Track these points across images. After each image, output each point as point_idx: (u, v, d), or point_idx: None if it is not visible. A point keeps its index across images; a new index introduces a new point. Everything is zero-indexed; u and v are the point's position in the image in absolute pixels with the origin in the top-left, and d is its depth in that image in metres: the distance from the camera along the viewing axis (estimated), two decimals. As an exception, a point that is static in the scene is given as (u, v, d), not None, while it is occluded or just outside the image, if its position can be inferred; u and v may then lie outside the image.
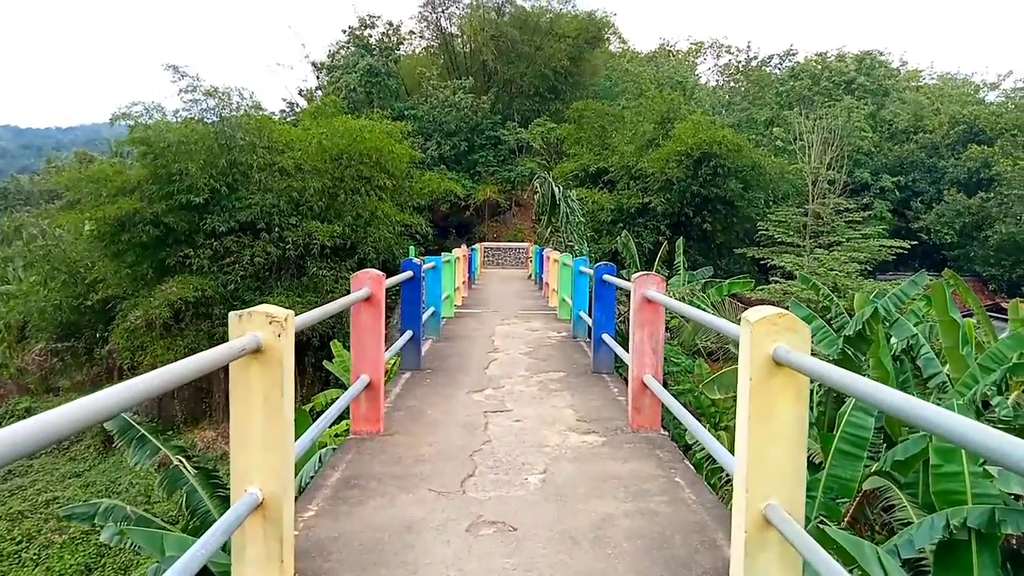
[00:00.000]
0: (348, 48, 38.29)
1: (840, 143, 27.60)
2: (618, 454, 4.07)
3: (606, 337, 6.21)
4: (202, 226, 21.29)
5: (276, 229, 21.74)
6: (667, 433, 4.49)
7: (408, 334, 6.19)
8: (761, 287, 21.95)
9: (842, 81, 33.07)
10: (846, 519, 9.74)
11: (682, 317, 14.39)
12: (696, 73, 48.17)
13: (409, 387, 5.79)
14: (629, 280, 4.65)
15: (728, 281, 21.19)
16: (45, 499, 19.79)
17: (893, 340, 12.11)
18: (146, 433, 10.98)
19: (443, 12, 39.54)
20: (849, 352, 9.34)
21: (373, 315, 4.25)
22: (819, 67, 34.64)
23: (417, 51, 43.01)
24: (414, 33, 41.48)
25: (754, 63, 44.75)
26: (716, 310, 18.69)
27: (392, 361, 7.02)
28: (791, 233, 25.63)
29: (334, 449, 5.16)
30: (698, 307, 10.62)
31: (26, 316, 27.17)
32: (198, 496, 10.39)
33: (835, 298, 17.66)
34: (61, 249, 27.11)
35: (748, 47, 47.51)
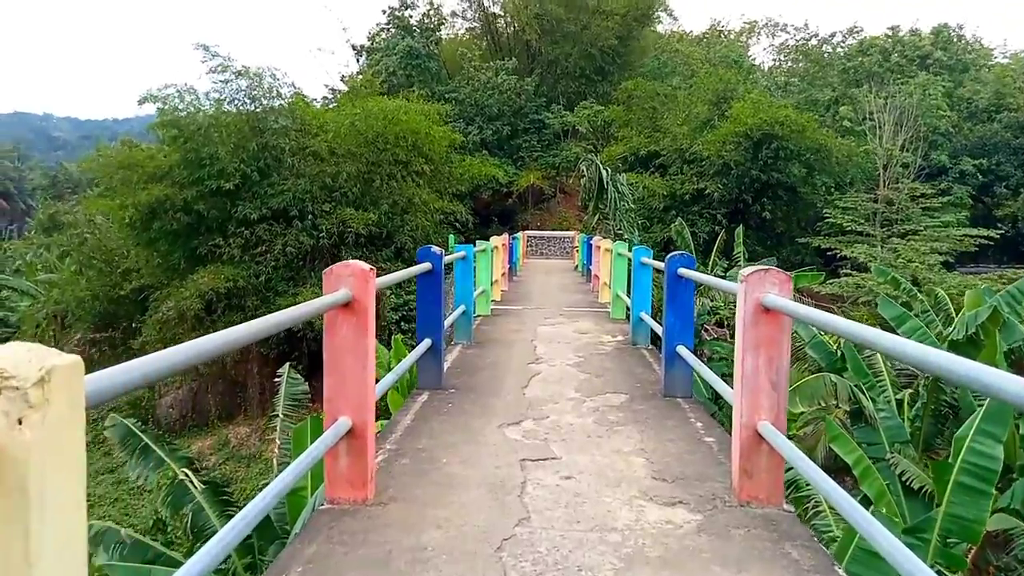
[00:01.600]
0: (388, 30, 37.16)
1: (914, 123, 25.28)
2: (727, 551, 2.62)
3: (683, 351, 4.74)
4: (233, 214, 20.44)
5: (309, 217, 20.74)
6: (792, 510, 3.00)
7: (425, 344, 4.82)
8: (831, 280, 20.03)
9: (916, 56, 30.44)
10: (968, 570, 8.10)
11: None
12: (749, 54, 45.70)
13: (423, 417, 4.41)
14: (728, 277, 3.17)
15: (795, 274, 19.37)
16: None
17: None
18: (149, 443, 9.85)
19: (486, -10, 38.04)
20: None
21: (357, 328, 2.89)
22: (890, 42, 32.03)
23: (459, 32, 41.68)
24: (456, 14, 40.16)
25: (813, 42, 42.13)
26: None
27: (407, 376, 5.69)
28: (860, 221, 23.53)
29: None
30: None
31: (66, 306, 26.91)
32: (204, 516, 9.20)
33: (918, 293, 15.79)
34: (97, 237, 26.72)
35: (806, 25, 44.77)
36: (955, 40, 31.84)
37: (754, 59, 44.96)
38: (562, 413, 4.55)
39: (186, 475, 9.28)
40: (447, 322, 5.94)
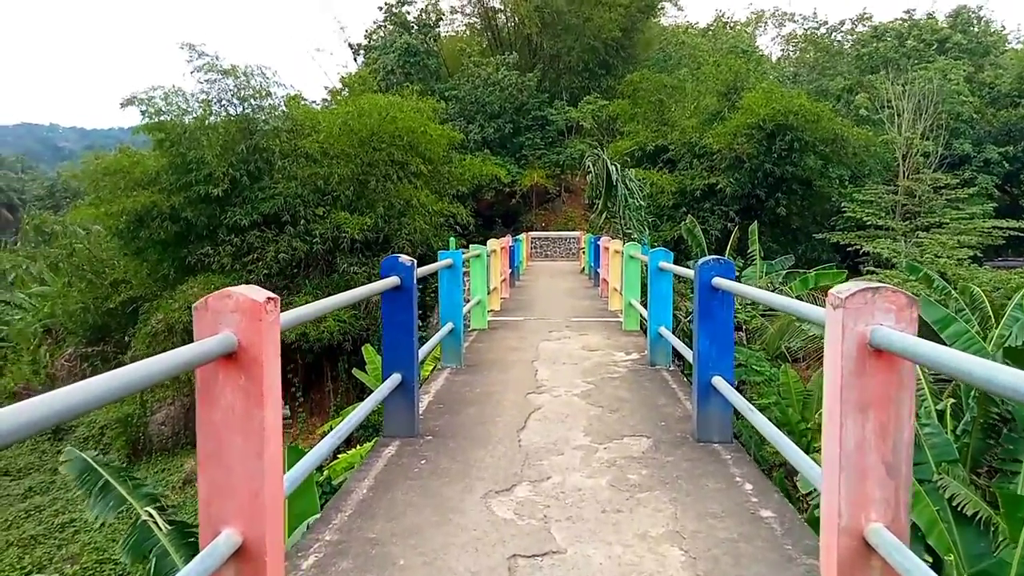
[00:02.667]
0: (385, 27, 36.22)
1: (935, 109, 24.05)
2: None
3: (721, 384, 3.68)
4: (223, 220, 19.58)
5: (302, 221, 19.81)
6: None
7: (392, 381, 3.77)
8: (856, 278, 18.87)
9: (934, 40, 29.06)
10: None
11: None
12: (757, 45, 44.47)
13: (385, 483, 3.35)
14: (743, 278, 2.16)
15: (815, 272, 18.26)
16: (61, 522, 18.29)
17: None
18: (110, 478, 8.84)
19: (484, -16, 37.00)
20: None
21: (247, 393, 1.88)
22: (906, 26, 30.74)
23: (459, 29, 40.68)
24: (455, 10, 39.13)
25: (822, 30, 40.90)
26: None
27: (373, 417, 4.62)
28: (881, 214, 22.33)
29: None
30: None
31: (58, 319, 26.12)
32: (170, 562, 8.16)
33: (953, 291, 14.67)
34: (85, 247, 25.88)
35: (814, 14, 43.56)
36: (975, 22, 30.55)
37: (762, 50, 43.77)
38: (568, 470, 3.50)
39: (150, 515, 8.30)
40: (429, 345, 4.90)
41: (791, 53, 45.43)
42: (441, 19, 36.07)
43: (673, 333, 5.76)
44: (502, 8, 37.90)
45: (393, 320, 3.85)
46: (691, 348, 4.56)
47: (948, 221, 20.72)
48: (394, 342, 3.87)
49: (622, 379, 5.51)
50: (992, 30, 30.70)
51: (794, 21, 43.85)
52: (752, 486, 3.24)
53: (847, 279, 18.06)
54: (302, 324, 20.24)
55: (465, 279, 12.84)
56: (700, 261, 3.78)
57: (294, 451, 8.86)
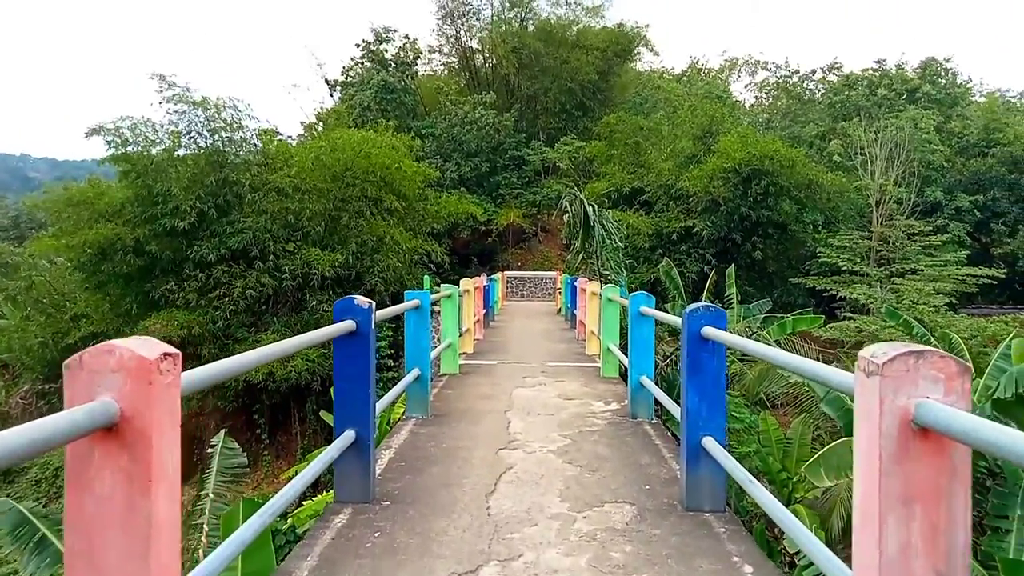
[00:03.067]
0: (363, 64, 36.21)
1: (907, 157, 24.38)
2: None
3: (712, 447, 3.30)
4: (189, 255, 19.03)
5: (271, 257, 19.31)
6: None
7: (345, 439, 3.33)
8: (832, 324, 18.77)
9: (904, 89, 29.73)
10: None
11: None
12: (731, 91, 45.26)
13: (331, 562, 2.88)
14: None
15: (792, 316, 18.08)
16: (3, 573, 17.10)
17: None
18: (47, 532, 8.16)
19: (463, 24, 37.30)
20: (1000, 421, 6.20)
21: (131, 477, 1.43)
22: (876, 75, 31.41)
23: (437, 68, 40.88)
24: (433, 49, 39.35)
25: (794, 78, 41.76)
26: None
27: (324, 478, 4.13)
28: (856, 260, 22.39)
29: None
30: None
31: (15, 354, 25.06)
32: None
33: (932, 338, 14.53)
34: (45, 280, 25.03)
35: (787, 62, 44.47)
36: (943, 74, 31.31)
37: (736, 96, 44.54)
38: (542, 545, 3.06)
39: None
40: (389, 397, 4.45)
41: (764, 100, 46.27)
42: (419, 58, 36.19)
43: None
44: (480, 48, 38.20)
45: (347, 370, 3.43)
46: (675, 400, 4.22)
47: (923, 268, 20.80)
48: (348, 395, 3.43)
49: (601, 433, 5.10)
50: (959, 82, 31.52)
51: (767, 69, 44.65)
52: (752, 569, 2.83)
53: (824, 324, 17.94)
54: (269, 365, 19.60)
55: (437, 320, 12.41)
56: (689, 308, 3.43)
57: (249, 504, 8.25)
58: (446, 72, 40.84)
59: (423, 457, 4.40)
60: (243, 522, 5.99)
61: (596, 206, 15.41)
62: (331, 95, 37.36)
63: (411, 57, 35.95)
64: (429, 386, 5.57)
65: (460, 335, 8.44)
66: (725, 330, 3.32)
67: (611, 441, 4.87)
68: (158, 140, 20.04)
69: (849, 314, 19.36)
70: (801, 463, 11.54)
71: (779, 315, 18.88)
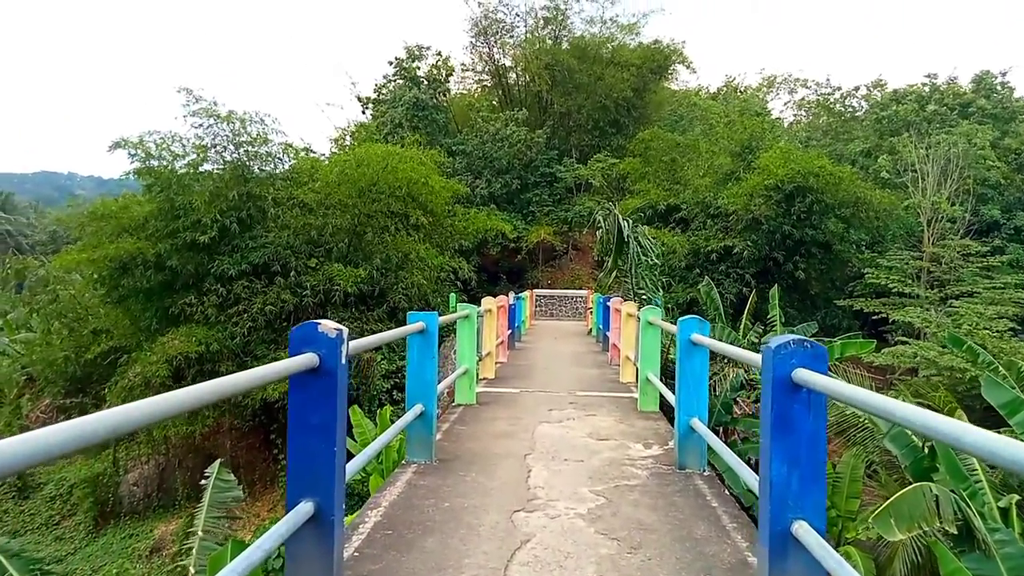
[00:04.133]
0: (395, 81, 35.87)
1: (960, 174, 22.99)
2: None
3: (804, 532, 2.35)
4: (210, 269, 18.57)
5: (292, 273, 18.75)
6: None
7: (302, 512, 2.44)
8: (887, 350, 17.47)
9: (956, 104, 28.25)
10: None
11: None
12: (768, 109, 43.98)
13: None
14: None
15: (840, 341, 16.85)
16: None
17: None
18: (15, 573, 7.44)
19: (496, 42, 36.77)
20: None
21: None
22: (927, 90, 29.96)
23: (469, 85, 40.42)
24: (466, 67, 38.89)
25: (836, 95, 40.40)
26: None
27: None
28: (908, 281, 21.04)
29: None
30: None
31: (39, 368, 24.86)
32: None
33: (999, 367, 13.25)
34: (70, 294, 24.82)
35: (828, 80, 43.07)
36: (998, 88, 29.74)
37: (774, 115, 43.28)
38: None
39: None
40: (365, 456, 3.56)
41: (803, 118, 44.90)
42: (451, 75, 35.71)
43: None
44: (513, 66, 37.64)
45: (306, 418, 2.55)
46: (729, 447, 3.26)
47: (982, 291, 19.37)
48: (305, 453, 2.55)
49: (643, 489, 4.13)
50: (1016, 96, 29.90)
51: (807, 87, 43.30)
52: None
53: (876, 349, 16.66)
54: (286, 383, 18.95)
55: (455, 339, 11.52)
56: (775, 342, 2.49)
57: (238, 546, 7.41)
58: (479, 90, 40.36)
59: (417, 522, 3.49)
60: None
61: (631, 221, 14.46)
62: (363, 112, 37.07)
63: (443, 74, 35.51)
64: (434, 425, 4.66)
65: (480, 359, 7.55)
66: (826, 373, 2.38)
67: (655, 501, 3.90)
68: (183, 154, 19.69)
69: (904, 338, 18.03)
70: (852, 500, 10.44)
71: (826, 339, 17.65)
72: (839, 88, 39.96)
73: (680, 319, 4.54)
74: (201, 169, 19.58)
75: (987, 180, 23.83)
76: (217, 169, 19.63)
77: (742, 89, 48.36)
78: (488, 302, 8.72)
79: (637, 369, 7.78)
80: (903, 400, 9.63)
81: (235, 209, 18.79)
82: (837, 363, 16.03)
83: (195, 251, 18.49)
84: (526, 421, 6.15)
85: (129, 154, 18.74)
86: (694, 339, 4.40)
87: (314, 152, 24.20)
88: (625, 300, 14.53)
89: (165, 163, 19.26)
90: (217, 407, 17.60)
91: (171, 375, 17.69)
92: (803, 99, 43.90)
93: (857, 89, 38.92)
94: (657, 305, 16.24)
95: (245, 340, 18.48)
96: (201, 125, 19.38)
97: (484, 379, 8.52)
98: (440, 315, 4.76)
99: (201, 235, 18.08)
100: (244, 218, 18.94)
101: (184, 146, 19.72)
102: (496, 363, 10.14)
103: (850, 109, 39.17)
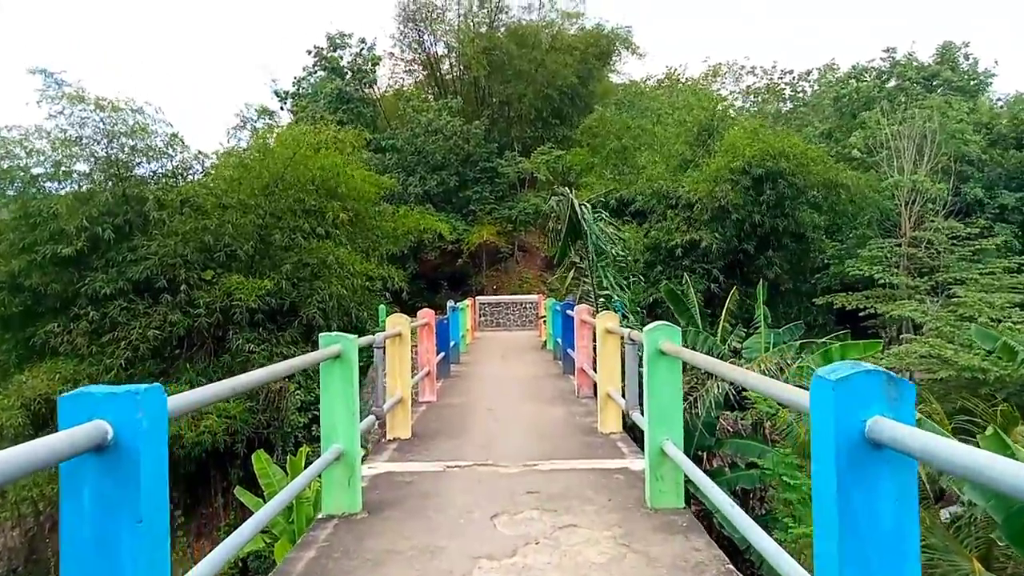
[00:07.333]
0: (316, 73, 32.57)
1: (937, 150, 21.04)
2: None
3: None
4: (81, 289, 15.22)
5: (183, 288, 15.51)
6: None
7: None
8: (894, 348, 15.11)
9: (920, 78, 26.49)
10: None
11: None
12: (718, 96, 42.04)
13: None
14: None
15: (839, 344, 14.39)
16: None
17: None
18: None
19: (426, 28, 33.78)
20: None
21: None
22: (887, 64, 28.13)
23: (399, 77, 37.34)
24: (393, 55, 35.76)
25: (787, 78, 38.78)
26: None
27: None
28: (894, 271, 18.91)
29: None
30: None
31: None
32: None
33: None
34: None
35: (774, 67, 41.46)
36: (962, 60, 28.15)
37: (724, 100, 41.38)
38: None
39: None
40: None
41: (751, 106, 43.18)
42: (377, 64, 32.57)
43: None
44: (447, 53, 34.76)
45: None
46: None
47: (977, 276, 17.27)
48: None
49: None
50: (982, 68, 28.44)
51: (754, 74, 41.57)
52: None
53: (882, 350, 14.27)
54: (175, 424, 15.59)
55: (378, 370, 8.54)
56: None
57: None
58: (412, 85, 37.37)
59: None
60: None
61: (590, 207, 11.69)
62: (282, 108, 33.56)
63: (369, 64, 32.37)
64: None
65: (377, 421, 4.57)
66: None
67: None
68: (44, 150, 16.23)
69: (912, 336, 15.68)
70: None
71: (819, 341, 15.21)
72: (790, 71, 38.31)
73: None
74: (73, 169, 16.25)
75: (966, 156, 21.96)
76: (86, 167, 16.26)
77: (684, 80, 46.49)
78: (397, 321, 5.69)
79: (625, 414, 4.97)
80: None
81: (109, 214, 15.57)
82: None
83: (60, 267, 15.27)
84: (449, 559, 3.21)
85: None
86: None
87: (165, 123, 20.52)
88: (584, 302, 11.84)
89: (18, 162, 15.84)
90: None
91: (30, 422, 14.36)
92: (750, 87, 42.17)
93: (809, 73, 37.33)
94: (624, 304, 13.56)
95: (125, 374, 15.11)
96: (61, 113, 15.93)
97: (395, 440, 5.56)
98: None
99: (65, 247, 14.81)
100: (121, 224, 15.69)
101: (49, 140, 16.27)
102: (423, 402, 7.17)
103: (802, 94, 37.51)
